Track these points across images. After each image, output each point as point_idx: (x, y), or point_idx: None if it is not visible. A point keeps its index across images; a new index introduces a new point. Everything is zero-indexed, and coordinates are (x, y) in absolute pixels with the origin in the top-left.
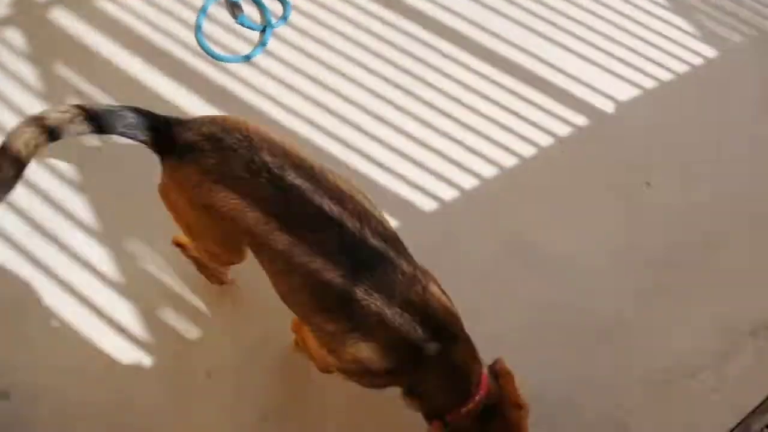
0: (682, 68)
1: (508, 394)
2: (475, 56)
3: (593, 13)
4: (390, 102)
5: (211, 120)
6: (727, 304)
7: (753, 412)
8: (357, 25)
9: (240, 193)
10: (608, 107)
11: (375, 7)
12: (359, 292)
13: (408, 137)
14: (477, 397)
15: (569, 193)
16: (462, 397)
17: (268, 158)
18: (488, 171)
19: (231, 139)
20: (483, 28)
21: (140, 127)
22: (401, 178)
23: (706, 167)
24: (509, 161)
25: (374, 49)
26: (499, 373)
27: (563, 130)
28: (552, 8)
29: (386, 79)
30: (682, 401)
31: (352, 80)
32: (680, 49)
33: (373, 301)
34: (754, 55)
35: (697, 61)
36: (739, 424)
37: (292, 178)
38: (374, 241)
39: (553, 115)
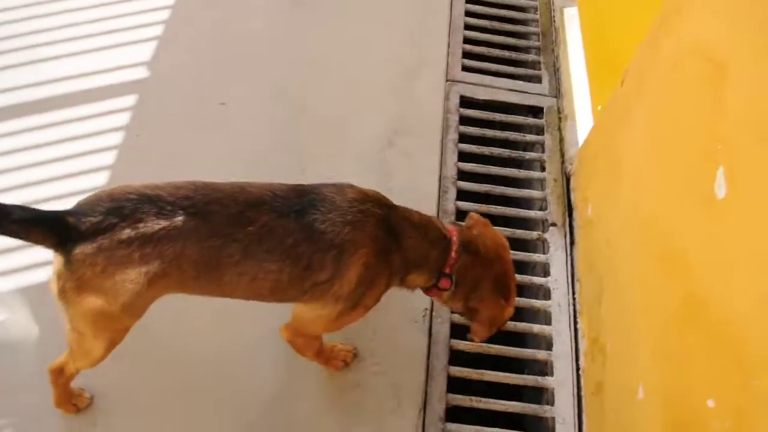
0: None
1: (484, 232)
2: None
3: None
4: None
5: (97, 198)
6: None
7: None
8: None
9: (172, 240)
10: (142, 73)
11: None
12: (318, 225)
13: None
14: (454, 238)
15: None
16: (444, 245)
17: (170, 198)
18: None
19: (128, 203)
20: None
21: (36, 222)
22: None
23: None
24: (101, 179)
25: None
26: (476, 222)
27: (124, 120)
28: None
29: None
30: None
31: None
32: None
33: (331, 218)
34: None
35: None
36: None
37: (201, 198)
38: (289, 192)
39: (107, 114)
